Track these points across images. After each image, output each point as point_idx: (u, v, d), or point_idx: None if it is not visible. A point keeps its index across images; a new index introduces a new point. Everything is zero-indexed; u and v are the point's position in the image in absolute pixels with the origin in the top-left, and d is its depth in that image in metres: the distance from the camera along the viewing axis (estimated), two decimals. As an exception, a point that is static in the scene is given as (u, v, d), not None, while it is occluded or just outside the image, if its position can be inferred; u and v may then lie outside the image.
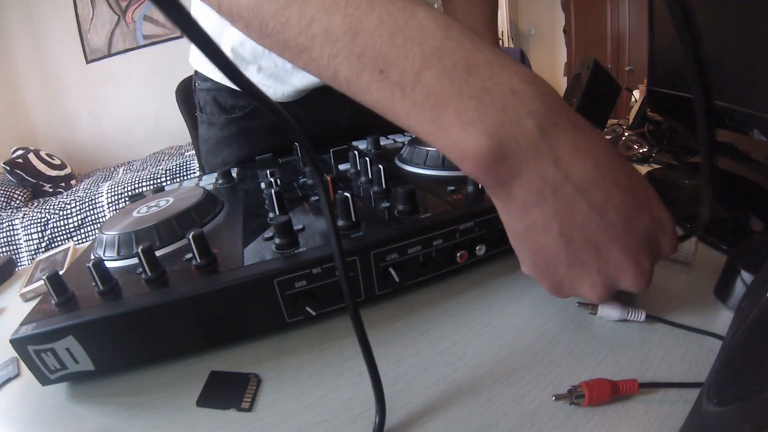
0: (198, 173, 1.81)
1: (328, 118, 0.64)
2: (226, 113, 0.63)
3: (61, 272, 0.28)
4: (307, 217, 0.35)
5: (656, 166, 0.58)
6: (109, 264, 0.31)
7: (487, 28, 0.58)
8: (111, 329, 0.26)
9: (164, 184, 1.99)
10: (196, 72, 0.66)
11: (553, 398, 0.22)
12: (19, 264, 1.48)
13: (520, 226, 0.22)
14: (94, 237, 0.39)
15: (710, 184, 0.27)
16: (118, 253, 0.32)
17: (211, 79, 0.63)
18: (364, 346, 0.21)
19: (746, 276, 0.26)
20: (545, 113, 0.20)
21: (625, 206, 0.21)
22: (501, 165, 0.20)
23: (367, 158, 0.41)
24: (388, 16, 0.20)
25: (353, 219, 0.31)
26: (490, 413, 0.22)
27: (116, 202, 1.96)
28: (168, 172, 2.11)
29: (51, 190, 2.33)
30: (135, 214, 0.37)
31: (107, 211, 1.94)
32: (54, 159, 2.48)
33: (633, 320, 0.27)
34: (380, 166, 0.37)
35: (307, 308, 0.28)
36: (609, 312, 0.27)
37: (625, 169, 0.21)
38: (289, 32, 0.22)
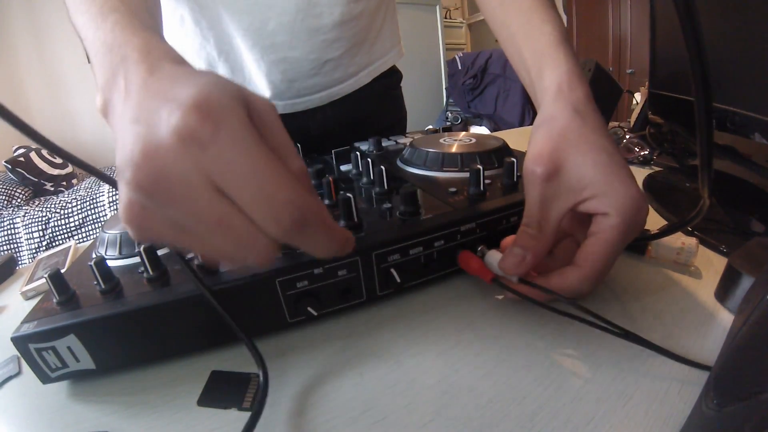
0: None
1: (299, 128, 0.67)
2: None
3: (62, 271, 0.28)
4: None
5: (657, 169, 0.58)
6: (110, 263, 0.31)
7: None
8: (112, 328, 0.26)
9: (165, 183, 1.98)
10: None
11: None
12: (20, 262, 1.48)
13: None
14: (95, 236, 0.39)
15: (707, 170, 0.26)
16: (120, 252, 0.32)
17: None
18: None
19: (747, 278, 0.26)
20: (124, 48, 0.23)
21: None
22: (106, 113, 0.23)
23: (368, 159, 0.41)
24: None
25: (355, 220, 0.31)
26: (492, 414, 0.22)
27: (117, 202, 1.96)
28: (169, 171, 2.11)
29: (52, 189, 2.34)
30: (137, 213, 0.37)
31: (108, 210, 1.94)
32: (55, 158, 2.48)
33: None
34: (382, 167, 0.37)
35: (309, 308, 0.28)
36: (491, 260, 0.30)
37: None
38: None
